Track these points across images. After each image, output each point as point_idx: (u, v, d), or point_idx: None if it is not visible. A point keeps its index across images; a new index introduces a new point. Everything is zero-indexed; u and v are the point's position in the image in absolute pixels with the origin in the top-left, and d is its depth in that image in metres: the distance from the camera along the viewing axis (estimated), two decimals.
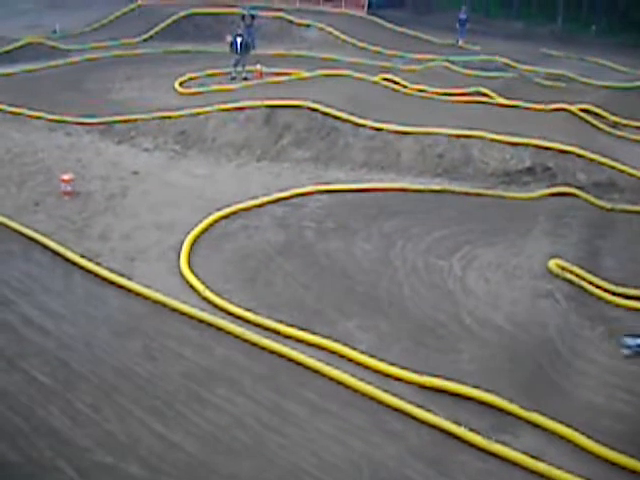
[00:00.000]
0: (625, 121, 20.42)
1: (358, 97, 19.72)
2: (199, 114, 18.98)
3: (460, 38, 32.84)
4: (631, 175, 16.21)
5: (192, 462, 7.70)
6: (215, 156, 17.71)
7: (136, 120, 19.20)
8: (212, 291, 11.09)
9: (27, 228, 13.02)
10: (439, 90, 22.06)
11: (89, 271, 11.68)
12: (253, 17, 27.73)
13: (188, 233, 12.96)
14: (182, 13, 32.65)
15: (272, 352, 9.65)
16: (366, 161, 17.25)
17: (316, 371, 9.25)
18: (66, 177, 14.94)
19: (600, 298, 11.38)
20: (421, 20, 37.01)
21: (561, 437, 8.20)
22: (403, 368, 9.28)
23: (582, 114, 19.87)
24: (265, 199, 14.72)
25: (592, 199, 15.29)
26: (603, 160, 16.51)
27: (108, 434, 8.05)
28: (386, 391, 8.82)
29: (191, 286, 11.31)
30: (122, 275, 11.55)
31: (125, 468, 7.54)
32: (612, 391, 9.18)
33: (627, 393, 9.14)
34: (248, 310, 10.58)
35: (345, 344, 9.78)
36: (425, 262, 12.35)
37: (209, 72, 24.66)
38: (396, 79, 22.77)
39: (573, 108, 19.97)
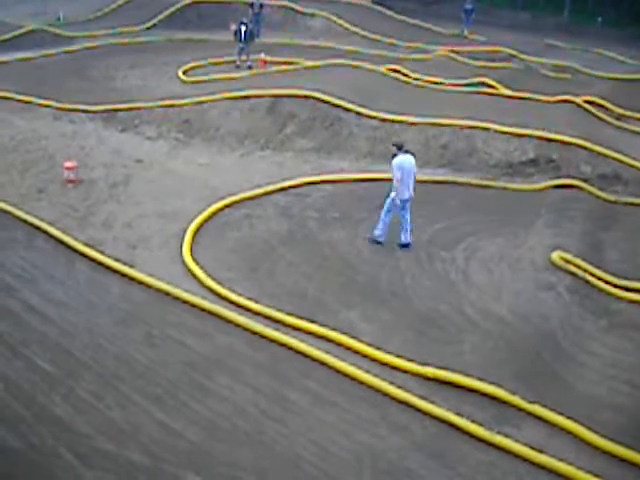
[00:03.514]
0: (630, 113, 20.34)
1: (362, 87, 19.66)
2: (203, 103, 18.95)
3: (466, 28, 32.73)
4: (635, 167, 16.15)
5: (193, 450, 7.72)
6: (218, 145, 17.68)
7: (140, 108, 19.17)
8: (214, 280, 11.09)
9: (30, 215, 13.03)
10: (444, 80, 21.97)
11: (92, 259, 11.69)
12: (261, 5, 27.65)
13: (191, 222, 12.95)
14: (186, 1, 32.52)
15: (274, 341, 9.66)
16: (370, 151, 17.21)
17: (318, 361, 9.26)
18: (69, 165, 14.92)
19: (603, 291, 11.36)
20: (427, 10, 36.92)
21: (563, 429, 8.20)
22: (405, 359, 9.28)
23: (587, 106, 19.80)
24: (268, 188, 14.70)
25: (596, 191, 15.25)
26: (607, 152, 16.45)
27: (109, 421, 8.07)
28: (388, 381, 8.82)
29: (193, 274, 11.31)
30: (124, 263, 11.55)
31: (126, 455, 7.56)
32: (614, 384, 9.18)
33: (629, 386, 9.14)
34: (249, 299, 10.58)
35: (347, 334, 9.78)
36: (428, 253, 12.34)
37: (213, 61, 24.59)
38: (401, 69, 22.69)
39: (578, 100, 19.90)
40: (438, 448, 7.93)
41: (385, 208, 12.36)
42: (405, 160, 12.23)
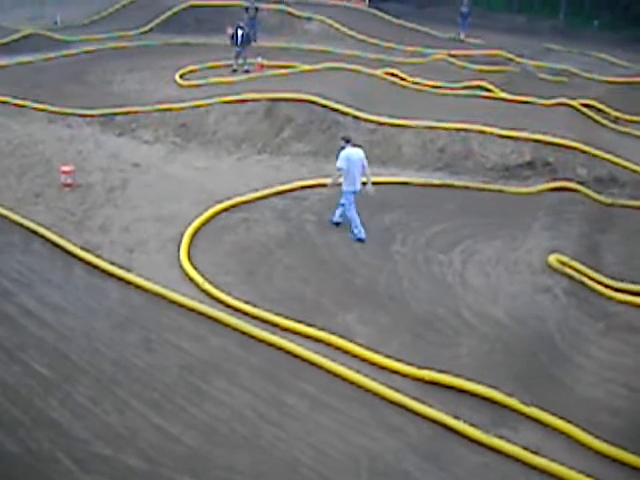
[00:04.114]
0: (626, 116, 20.37)
1: (359, 91, 19.68)
2: (200, 107, 18.95)
3: (462, 32, 32.68)
4: (631, 170, 16.17)
5: (190, 454, 7.72)
6: (215, 149, 17.69)
7: (137, 112, 19.17)
8: (211, 284, 11.09)
9: (27, 220, 13.02)
10: (440, 84, 22.01)
11: (89, 263, 11.69)
12: (257, 9, 27.66)
13: (188, 225, 12.95)
14: (183, 5, 32.51)
15: (271, 345, 9.66)
16: (367, 155, 17.11)
17: (315, 364, 9.26)
18: (66, 169, 14.92)
19: (600, 293, 11.37)
20: (423, 13, 36.90)
21: (560, 432, 8.21)
22: (402, 362, 9.29)
23: (583, 109, 19.82)
24: (266, 192, 14.70)
25: (592, 194, 15.27)
26: (604, 155, 16.47)
27: (107, 426, 8.07)
28: (385, 385, 8.83)
29: (190, 278, 11.31)
30: (122, 267, 11.55)
31: (123, 460, 7.56)
32: (611, 386, 9.20)
33: (625, 388, 9.16)
34: (247, 302, 10.59)
35: (344, 337, 9.78)
36: (425, 256, 12.35)
37: (210, 64, 24.59)
38: (398, 73, 22.71)
39: (574, 103, 19.93)
40: (435, 450, 7.93)
41: (346, 207, 12.85)
42: (353, 153, 12.76)
